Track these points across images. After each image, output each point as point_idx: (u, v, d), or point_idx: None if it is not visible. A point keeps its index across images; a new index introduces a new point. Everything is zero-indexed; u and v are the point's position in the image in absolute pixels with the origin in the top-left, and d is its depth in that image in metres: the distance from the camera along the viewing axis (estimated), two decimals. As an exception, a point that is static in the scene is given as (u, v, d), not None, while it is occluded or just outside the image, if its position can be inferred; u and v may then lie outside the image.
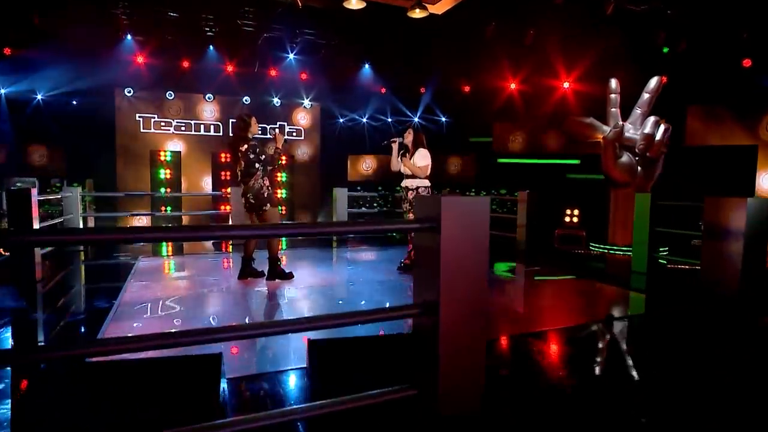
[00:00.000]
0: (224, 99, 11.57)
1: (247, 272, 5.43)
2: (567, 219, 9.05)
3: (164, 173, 11.07)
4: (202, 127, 11.52)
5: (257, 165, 5.11)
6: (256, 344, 3.37)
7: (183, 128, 11.37)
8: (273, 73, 11.57)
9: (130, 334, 2.81)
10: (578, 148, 9.71)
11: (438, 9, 6.92)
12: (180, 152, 11.30)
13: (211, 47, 10.77)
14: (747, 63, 8.41)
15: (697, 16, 8.20)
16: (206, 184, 11.53)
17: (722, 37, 8.31)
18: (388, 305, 4.47)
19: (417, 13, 7.15)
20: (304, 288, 5.17)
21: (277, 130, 5.67)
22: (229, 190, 8.72)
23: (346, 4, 6.94)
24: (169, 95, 11.15)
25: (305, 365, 2.93)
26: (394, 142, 5.88)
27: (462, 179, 12.43)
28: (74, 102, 10.43)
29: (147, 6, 9.15)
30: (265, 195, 5.14)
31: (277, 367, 3.00)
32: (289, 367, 2.99)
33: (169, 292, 4.95)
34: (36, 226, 5.43)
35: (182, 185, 11.26)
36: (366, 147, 12.63)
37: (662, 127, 7.47)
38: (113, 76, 10.29)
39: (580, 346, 3.66)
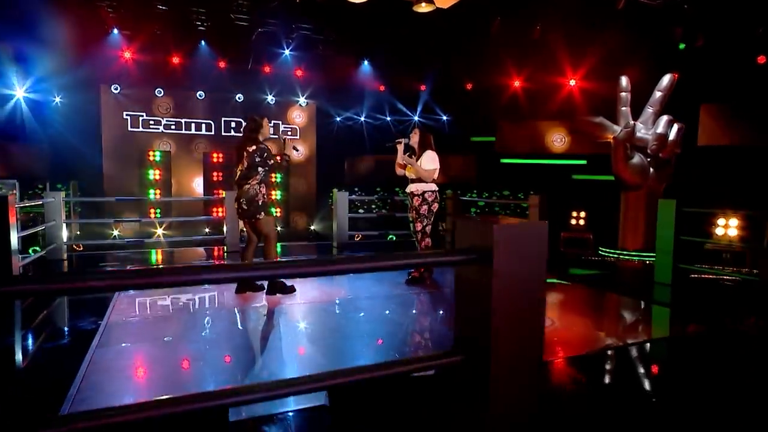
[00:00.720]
0: (216, 96, 11.11)
1: (246, 285, 5.03)
2: (573, 221, 8.77)
3: (153, 174, 10.57)
4: (193, 125, 11.07)
5: (260, 169, 4.74)
6: (263, 372, 2.98)
7: (173, 127, 10.91)
8: (267, 69, 11.13)
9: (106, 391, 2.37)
10: (584, 147, 9.41)
11: (444, 3, 6.55)
12: (170, 152, 10.83)
13: (203, 42, 10.34)
14: (762, 60, 8.13)
15: (711, 11, 7.91)
16: (197, 185, 11.08)
17: (736, 33, 8.03)
18: (410, 336, 4.09)
19: (423, 8, 6.79)
20: (307, 304, 4.79)
21: (286, 137, 5.27)
22: (222, 193, 8.32)
23: (348, -3, 6.54)
24: (159, 92, 10.68)
25: (324, 402, 2.60)
26: (400, 143, 5.47)
27: (463, 180, 12.05)
28: (58, 99, 9.92)
29: (134, -2, 8.72)
30: (260, 203, 4.74)
31: (291, 405, 2.59)
32: (305, 406, 2.58)
33: (158, 313, 4.54)
34: (14, 237, 4.99)
35: (172, 187, 10.79)
36: (365, 146, 12.25)
37: (675, 127, 7.24)
38: (99, 73, 9.81)
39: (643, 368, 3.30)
